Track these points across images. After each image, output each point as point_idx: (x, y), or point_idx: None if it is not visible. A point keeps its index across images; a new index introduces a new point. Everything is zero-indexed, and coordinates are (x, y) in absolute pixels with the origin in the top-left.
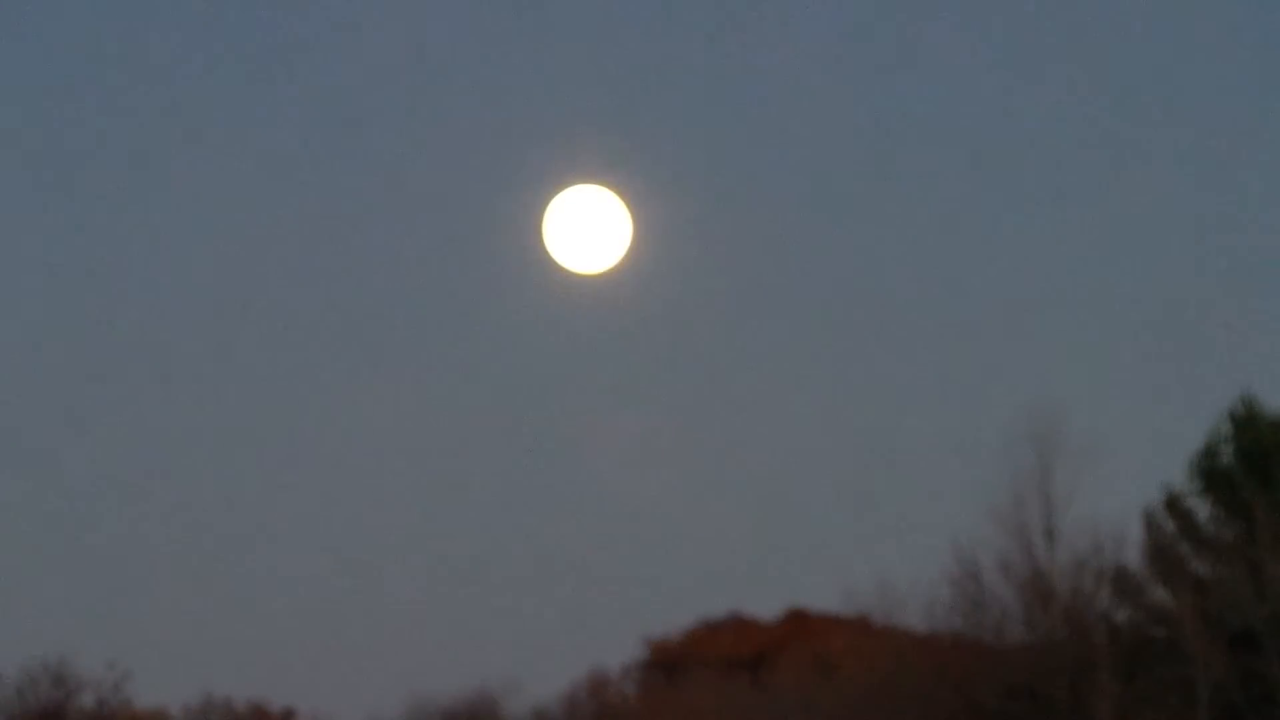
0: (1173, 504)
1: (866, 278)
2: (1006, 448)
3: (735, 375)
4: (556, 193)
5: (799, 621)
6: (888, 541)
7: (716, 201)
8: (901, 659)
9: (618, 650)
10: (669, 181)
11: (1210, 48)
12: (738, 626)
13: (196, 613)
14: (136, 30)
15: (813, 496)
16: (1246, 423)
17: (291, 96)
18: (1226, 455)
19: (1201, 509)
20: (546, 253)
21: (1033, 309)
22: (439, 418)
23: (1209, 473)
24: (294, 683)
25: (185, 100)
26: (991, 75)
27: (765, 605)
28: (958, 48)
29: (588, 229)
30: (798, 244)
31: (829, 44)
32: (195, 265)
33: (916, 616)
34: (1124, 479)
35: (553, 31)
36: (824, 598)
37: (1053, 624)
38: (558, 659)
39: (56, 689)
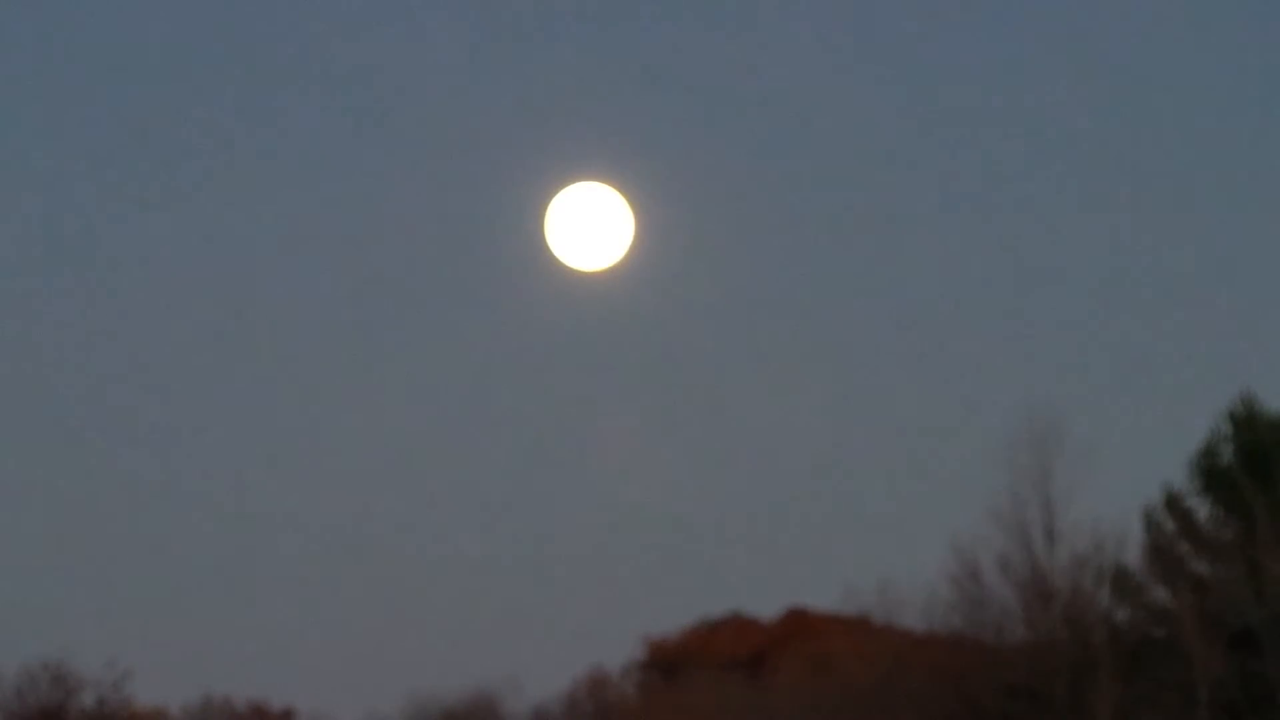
0: (1173, 504)
1: (867, 277)
2: (1006, 448)
3: (736, 373)
4: (558, 190)
5: (799, 621)
6: (888, 541)
7: (718, 199)
8: (901, 659)
9: (618, 650)
10: (671, 179)
11: (1212, 48)
12: (738, 626)
13: (196, 613)
14: (151, 32)
15: (813, 496)
16: (1246, 423)
17: (297, 97)
18: (1226, 455)
19: (1201, 509)
20: (549, 250)
21: (1033, 309)
22: (440, 415)
23: (1209, 473)
24: (294, 683)
25: (198, 101)
26: (993, 75)
27: (765, 605)
28: (959, 48)
29: (590, 226)
30: (799, 243)
31: (830, 43)
32: (197, 265)
33: (916, 616)
34: (1124, 479)
35: (555, 31)
36: (824, 598)
37: (1053, 624)
38: (558, 659)
39: (56, 689)
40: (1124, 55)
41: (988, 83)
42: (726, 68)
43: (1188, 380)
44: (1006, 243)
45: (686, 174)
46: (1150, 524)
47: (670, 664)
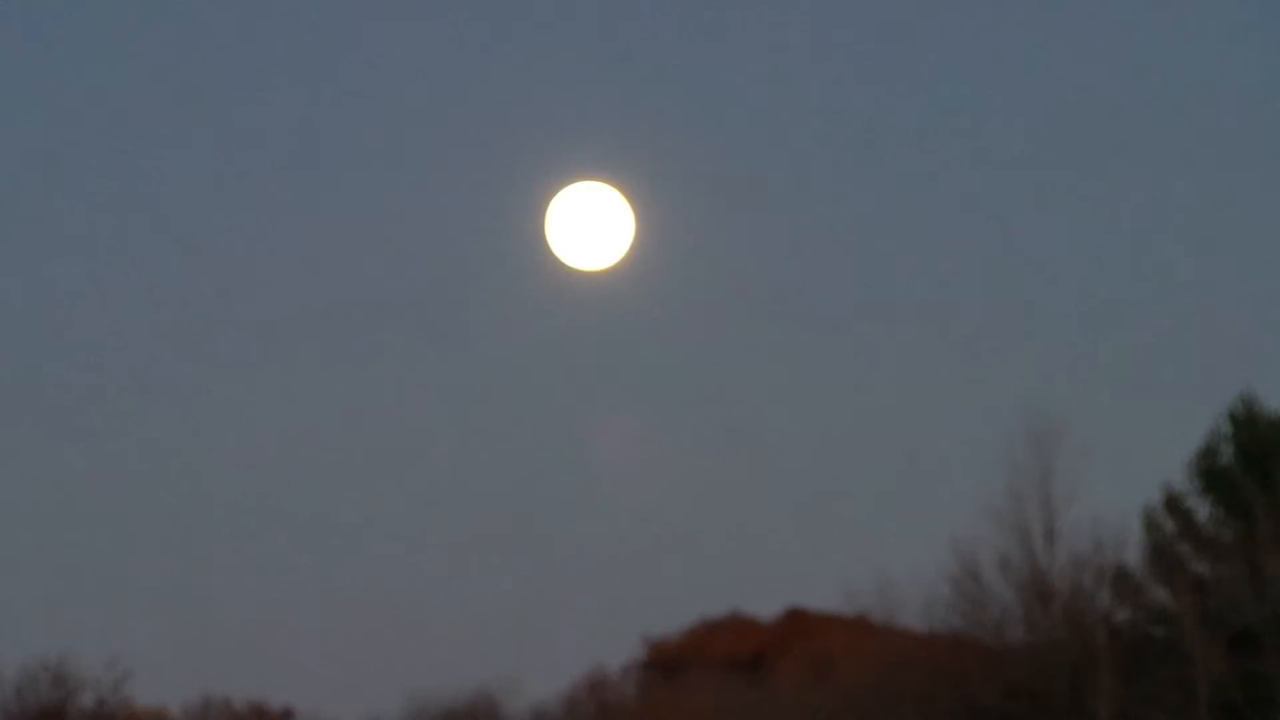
0: (1173, 504)
1: (867, 276)
2: (1006, 448)
3: (736, 373)
4: (559, 189)
5: (799, 621)
6: (888, 541)
7: (718, 198)
8: (901, 659)
9: (618, 650)
10: (671, 178)
11: (1211, 47)
12: (737, 626)
13: (196, 613)
14: (149, 31)
15: (813, 496)
16: (1246, 423)
17: (296, 96)
18: (1226, 455)
19: (1201, 509)
20: (549, 249)
21: (1033, 309)
22: (440, 414)
23: (1209, 473)
24: (294, 682)
25: (197, 100)
26: (992, 73)
27: (765, 605)
28: (959, 46)
29: (590, 225)
30: (799, 242)
31: (831, 42)
32: (196, 263)
33: (916, 616)
34: (1124, 479)
35: (555, 29)
36: (824, 598)
37: (1053, 624)
38: (558, 659)
39: (56, 689)
40: (1121, 54)
41: (988, 82)
42: (727, 68)
43: (1188, 380)
44: (1006, 242)
45: (686, 174)
46: (1150, 524)
47: (670, 664)
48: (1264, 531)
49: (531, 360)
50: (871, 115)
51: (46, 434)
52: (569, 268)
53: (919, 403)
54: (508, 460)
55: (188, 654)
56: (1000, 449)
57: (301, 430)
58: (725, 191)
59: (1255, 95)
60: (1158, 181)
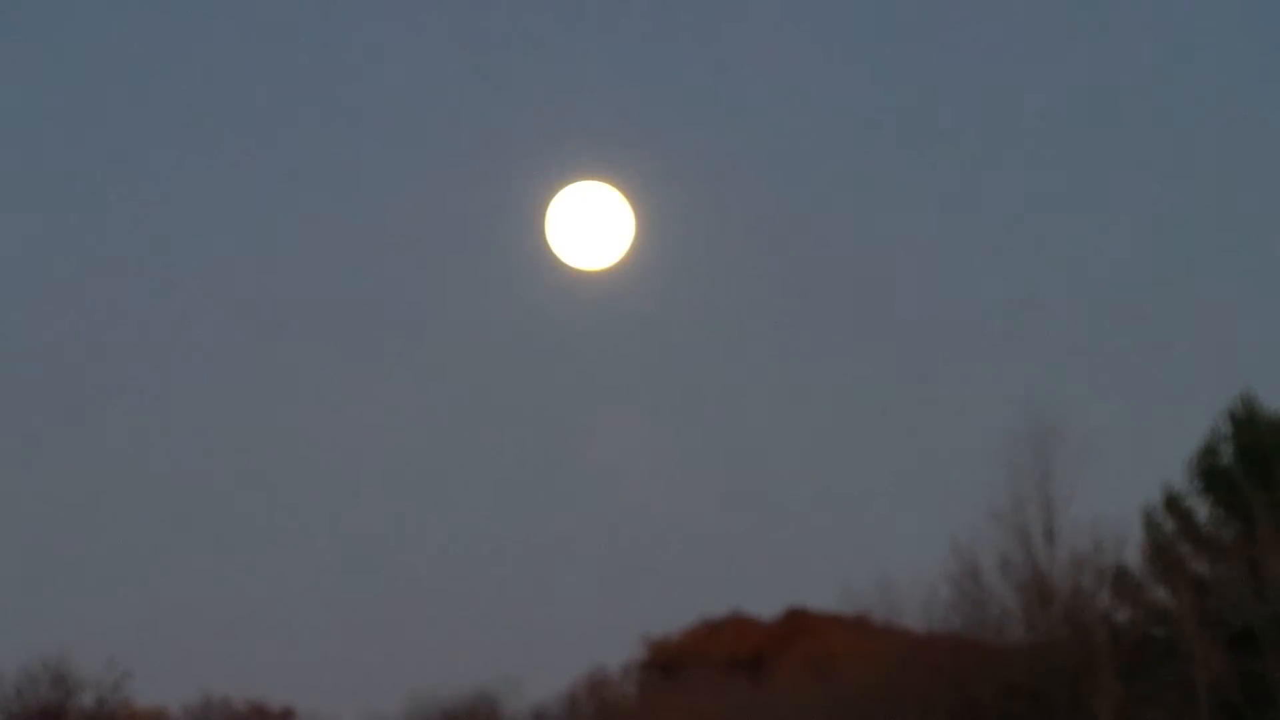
0: (1173, 504)
1: (867, 276)
2: (1006, 448)
3: (736, 373)
4: (559, 189)
5: (799, 621)
6: (888, 541)
7: (718, 198)
8: (901, 658)
9: (618, 650)
10: (671, 177)
11: (1211, 47)
12: (738, 626)
13: (196, 613)
14: (151, 32)
15: (813, 496)
16: (1246, 423)
17: (297, 95)
18: (1226, 455)
19: (1201, 509)
20: (549, 249)
21: (1033, 309)
22: (440, 415)
23: (1209, 472)
24: (294, 683)
25: (197, 100)
26: (992, 73)
27: (765, 605)
28: (958, 46)
29: (590, 225)
30: (799, 242)
31: (830, 41)
32: (197, 264)
33: (916, 616)
34: (1124, 479)
35: (555, 28)
36: (824, 597)
37: (1053, 624)
38: (558, 659)
39: (56, 689)
40: (1120, 54)
41: (986, 82)
42: (727, 65)
43: (1188, 380)
44: (1006, 242)
45: (686, 173)
46: (1150, 524)
47: (670, 664)
48: (1264, 531)
49: (532, 360)
50: (871, 115)
51: (46, 433)
52: (569, 268)
53: (919, 402)
54: (508, 460)
55: (188, 654)
56: (1000, 449)
57: (301, 431)
58: (725, 191)
59: (1255, 95)
60: (1158, 181)
